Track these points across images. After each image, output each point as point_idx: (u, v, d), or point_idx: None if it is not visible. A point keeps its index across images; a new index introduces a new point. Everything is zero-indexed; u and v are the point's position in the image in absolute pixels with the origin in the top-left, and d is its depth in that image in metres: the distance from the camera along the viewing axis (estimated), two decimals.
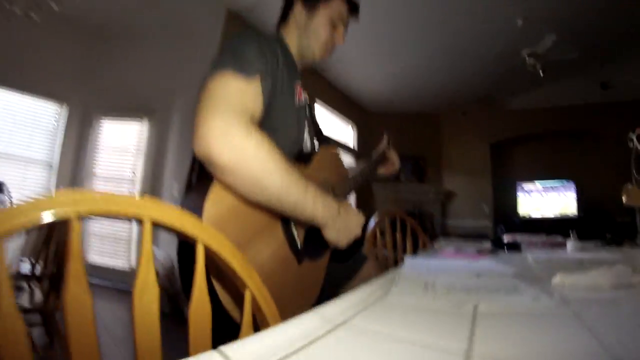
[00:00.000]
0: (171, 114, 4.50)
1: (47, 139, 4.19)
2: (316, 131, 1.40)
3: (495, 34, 5.15)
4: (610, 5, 4.49)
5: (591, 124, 6.92)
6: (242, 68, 0.90)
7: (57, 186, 4.11)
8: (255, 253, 0.91)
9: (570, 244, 1.59)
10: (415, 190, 7.55)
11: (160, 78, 4.44)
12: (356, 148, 7.42)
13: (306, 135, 1.24)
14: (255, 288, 0.72)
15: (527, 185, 7.26)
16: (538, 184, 7.16)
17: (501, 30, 5.03)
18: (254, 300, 0.72)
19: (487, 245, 1.61)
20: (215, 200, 0.84)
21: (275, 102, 1.03)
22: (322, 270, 1.20)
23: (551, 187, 7.06)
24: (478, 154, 7.63)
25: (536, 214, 7.07)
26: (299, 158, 1.16)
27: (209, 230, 0.68)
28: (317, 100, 6.03)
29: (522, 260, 1.25)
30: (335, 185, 1.26)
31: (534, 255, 1.34)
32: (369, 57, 5.88)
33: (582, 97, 6.85)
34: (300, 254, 1.06)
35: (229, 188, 0.86)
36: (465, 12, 4.72)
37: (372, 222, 1.73)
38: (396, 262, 1.69)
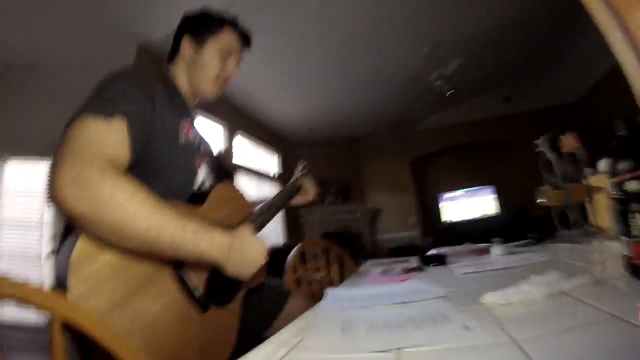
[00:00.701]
0: None
1: None
2: (219, 169, 1.26)
3: (405, 60, 5.42)
4: (509, 28, 4.91)
5: (500, 134, 7.67)
6: (103, 110, 0.81)
7: None
8: (142, 309, 0.79)
9: (495, 250, 1.57)
10: (343, 211, 7.67)
11: (68, 114, 3.97)
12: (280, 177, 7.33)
13: (203, 175, 1.11)
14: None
15: (449, 194, 7.74)
16: (459, 192, 7.66)
17: (410, 56, 5.32)
18: None
19: (414, 262, 1.54)
20: (83, 255, 0.74)
21: (153, 143, 0.93)
22: (235, 316, 1.07)
23: (472, 193, 7.60)
24: (400, 171, 8.01)
25: (459, 218, 7.50)
26: (193, 199, 1.03)
27: (61, 301, 0.61)
28: (238, 132, 5.89)
29: (450, 276, 1.18)
30: (238, 222, 1.13)
31: (460, 268, 1.28)
32: (285, 88, 5.92)
33: (489, 111, 7.62)
34: (201, 302, 0.93)
35: (96, 238, 0.75)
36: (376, 42, 4.92)
37: (292, 254, 1.61)
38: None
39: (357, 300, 0.89)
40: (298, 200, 1.59)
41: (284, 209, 1.48)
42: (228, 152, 5.70)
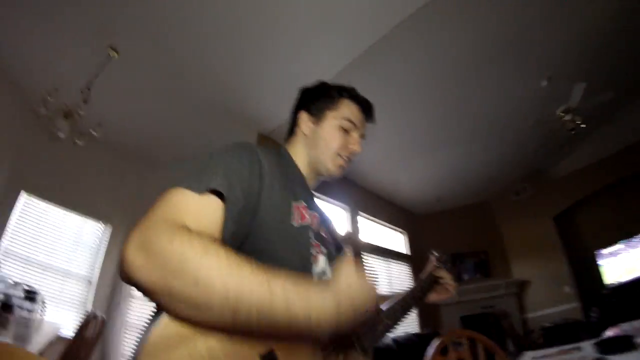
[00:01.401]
0: None
1: (88, 255, 4.31)
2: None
3: (524, 103, 5.09)
4: (627, 35, 4.37)
5: None
6: (199, 183, 0.75)
7: (95, 302, 4.10)
8: None
9: None
10: (483, 289, 6.89)
11: None
12: (409, 254, 7.05)
13: (322, 264, 0.96)
14: None
15: (607, 249, 6.39)
16: (619, 245, 6.27)
17: (528, 97, 4.98)
18: None
19: (588, 349, 1.21)
20: (162, 340, 0.62)
21: (261, 222, 0.83)
22: None
23: (634, 242, 6.10)
24: (543, 231, 6.97)
25: (627, 277, 6.06)
26: None
27: None
28: (361, 213, 5.93)
29: None
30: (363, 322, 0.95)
31: None
32: (406, 160, 5.96)
33: (632, 134, 6.30)
34: None
35: (169, 314, 0.63)
36: (488, 91, 4.75)
37: (431, 349, 1.38)
38: None
39: None
40: (435, 297, 1.37)
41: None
42: (354, 234, 5.69)
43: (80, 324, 2.65)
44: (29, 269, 3.74)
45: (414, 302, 1.22)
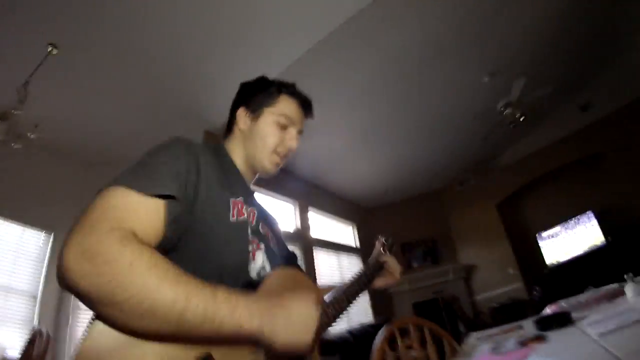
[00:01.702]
0: None
1: (30, 267, 3.96)
2: (284, 253, 1.12)
3: (467, 97, 5.24)
4: (562, 32, 4.59)
5: (586, 149, 6.67)
6: (138, 183, 0.72)
7: (40, 318, 3.79)
8: None
9: (631, 290, 1.23)
10: (433, 275, 7.11)
11: None
12: (359, 247, 7.13)
13: (261, 259, 0.94)
14: None
15: (547, 232, 6.83)
16: (557, 227, 6.71)
17: (471, 92, 5.12)
18: None
19: (529, 327, 1.24)
20: (92, 352, 0.61)
21: (198, 219, 0.81)
22: None
23: (572, 225, 6.56)
24: (487, 218, 7.34)
25: (564, 257, 6.51)
26: (248, 286, 0.85)
27: None
28: (311, 207, 5.92)
29: (584, 342, 0.89)
30: None
31: (594, 326, 0.98)
32: (352, 154, 5.99)
33: (568, 127, 6.79)
34: None
35: (109, 324, 0.62)
36: (433, 86, 4.85)
37: (379, 337, 1.37)
38: None
39: None
40: (381, 282, 1.35)
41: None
42: (304, 228, 5.68)
43: (25, 342, 2.48)
44: None
45: (361, 288, 1.21)
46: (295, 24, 3.46)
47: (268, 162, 1.06)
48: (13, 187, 3.95)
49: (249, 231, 0.93)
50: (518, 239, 7.13)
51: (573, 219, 6.52)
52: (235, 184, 1.00)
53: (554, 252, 6.69)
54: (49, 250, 4.15)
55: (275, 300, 0.73)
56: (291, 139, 1.08)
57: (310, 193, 6.20)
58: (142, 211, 0.70)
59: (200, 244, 0.81)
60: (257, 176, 1.12)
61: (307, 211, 5.95)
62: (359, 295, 1.19)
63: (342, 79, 4.26)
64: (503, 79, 4.81)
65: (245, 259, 0.89)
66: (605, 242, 6.04)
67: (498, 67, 4.77)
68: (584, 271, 5.70)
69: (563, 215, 6.67)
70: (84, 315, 4.14)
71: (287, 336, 0.70)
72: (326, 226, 6.57)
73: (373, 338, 1.43)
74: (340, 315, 1.08)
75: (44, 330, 2.14)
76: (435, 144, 6.25)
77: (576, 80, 5.91)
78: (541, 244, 6.87)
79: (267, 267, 0.95)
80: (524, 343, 1.02)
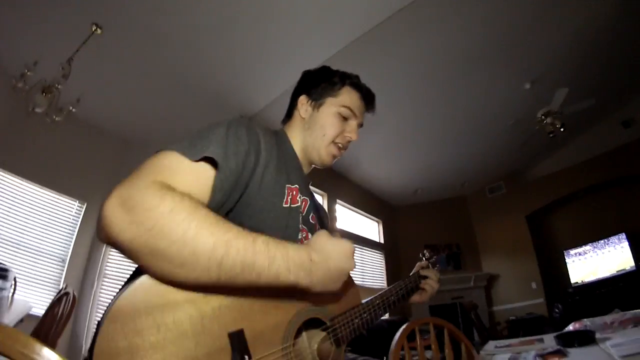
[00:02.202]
0: None
1: (63, 234, 4.17)
2: None
3: (506, 104, 5.14)
4: (607, 44, 4.46)
5: (625, 168, 6.35)
6: (192, 149, 0.73)
7: (67, 281, 3.93)
8: None
9: None
10: (454, 280, 7.00)
11: None
12: (383, 243, 7.12)
13: None
14: None
15: (575, 250, 6.61)
16: (586, 246, 6.49)
17: (512, 98, 5.03)
18: None
19: (550, 341, 1.24)
20: (128, 307, 0.60)
21: (251, 199, 0.83)
22: None
23: (602, 245, 6.32)
24: (515, 229, 7.13)
25: (590, 277, 6.31)
26: None
27: None
28: (339, 201, 5.94)
29: (605, 357, 0.90)
30: (342, 313, 0.93)
31: (617, 348, 0.98)
32: (386, 153, 5.96)
33: (606, 144, 6.51)
34: None
35: (150, 274, 0.62)
36: (472, 90, 4.76)
37: (399, 334, 1.39)
38: None
39: None
40: (415, 298, 1.34)
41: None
42: (330, 220, 5.72)
43: (52, 301, 2.57)
44: (1, 246, 3.61)
45: (398, 300, 1.19)
46: (338, 16, 3.45)
47: (325, 152, 1.06)
48: (51, 157, 4.14)
49: (300, 219, 0.95)
50: (544, 254, 6.93)
51: (604, 239, 6.28)
52: (293, 171, 1.00)
53: (580, 271, 6.47)
54: (81, 218, 4.34)
55: (310, 245, 0.75)
56: (351, 131, 1.09)
57: (340, 185, 6.21)
58: (189, 174, 0.72)
59: (248, 222, 0.81)
60: (312, 167, 1.12)
61: (335, 203, 5.98)
62: (395, 305, 1.17)
63: (383, 75, 4.23)
64: (545, 88, 4.69)
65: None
66: (635, 267, 5.84)
67: (541, 75, 4.66)
68: (609, 294, 5.53)
69: (593, 234, 6.43)
70: (110, 281, 4.35)
71: (323, 284, 0.74)
72: (352, 220, 6.58)
73: (387, 334, 1.44)
74: (373, 321, 1.04)
75: (70, 291, 2.22)
76: (470, 149, 6.15)
77: (620, 94, 5.70)
78: (568, 261, 6.65)
79: None
80: (544, 357, 1.02)
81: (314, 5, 3.27)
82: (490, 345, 1.44)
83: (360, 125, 1.13)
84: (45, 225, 4.01)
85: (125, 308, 0.60)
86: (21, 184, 3.88)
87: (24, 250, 3.78)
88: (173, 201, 0.62)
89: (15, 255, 3.70)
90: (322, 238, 0.77)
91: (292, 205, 0.93)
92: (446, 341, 1.38)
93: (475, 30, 3.88)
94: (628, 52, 4.70)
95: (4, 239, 3.64)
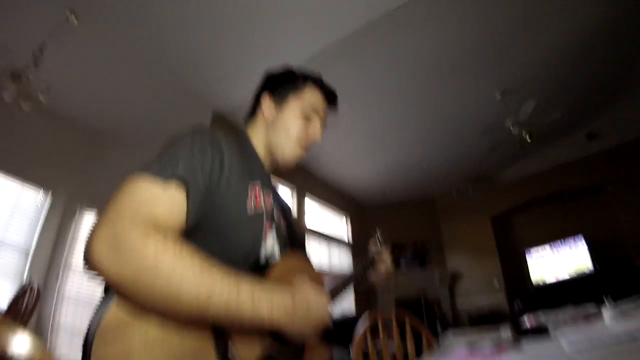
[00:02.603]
0: None
1: (26, 224, 4.04)
2: (293, 240, 1.15)
3: (476, 111, 5.27)
4: (579, 61, 4.62)
5: (588, 178, 6.72)
6: (162, 172, 0.75)
7: (31, 274, 3.87)
8: None
9: (608, 313, 1.28)
10: (419, 276, 7.20)
11: None
12: (350, 241, 7.17)
13: (271, 242, 0.98)
14: None
15: (536, 250, 6.93)
16: (547, 247, 6.81)
17: (482, 106, 5.16)
18: None
19: (506, 333, 1.28)
20: (114, 324, 0.66)
21: (217, 208, 0.85)
22: None
23: (560, 245, 6.66)
24: (480, 229, 7.43)
25: (550, 278, 6.62)
26: (256, 269, 0.90)
27: None
28: (308, 194, 5.95)
29: (557, 353, 0.94)
30: None
31: (568, 339, 1.02)
32: (356, 151, 6.00)
33: (572, 153, 6.85)
34: None
35: (134, 305, 0.68)
36: (446, 96, 4.87)
37: (361, 326, 1.42)
38: None
39: None
40: (374, 277, 1.35)
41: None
42: (299, 216, 5.72)
43: (15, 294, 2.52)
44: None
45: (356, 280, 1.23)
46: (316, 17, 3.44)
47: (290, 153, 1.08)
48: (17, 145, 4.02)
49: (264, 217, 0.96)
50: (507, 253, 7.23)
51: (563, 240, 6.60)
52: (255, 168, 1.02)
53: (540, 271, 6.79)
54: (45, 208, 4.22)
55: (294, 293, 0.77)
56: (315, 130, 1.10)
57: (309, 180, 6.22)
58: (163, 200, 0.73)
59: (217, 230, 0.85)
60: (274, 167, 1.14)
61: (304, 197, 5.99)
62: (353, 283, 1.21)
63: (356, 76, 4.27)
64: (515, 98, 4.84)
65: (258, 246, 0.93)
66: (593, 270, 6.13)
67: (512, 86, 4.80)
68: (567, 294, 5.80)
69: (555, 236, 6.76)
70: (75, 274, 4.24)
71: (300, 330, 0.77)
72: (320, 216, 6.62)
73: (352, 329, 1.47)
74: (335, 301, 1.10)
75: (34, 285, 2.16)
76: (440, 152, 6.29)
77: (587, 108, 5.94)
78: (529, 261, 6.96)
79: (276, 250, 0.99)
80: (498, 345, 1.06)
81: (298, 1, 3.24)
82: (449, 334, 1.49)
83: (324, 124, 1.14)
84: (7, 215, 3.88)
85: (111, 326, 0.65)
86: None
87: None
88: (156, 244, 0.64)
89: None
90: (307, 288, 0.80)
91: (257, 209, 0.94)
92: (407, 331, 1.43)
93: (449, 39, 3.96)
94: (598, 68, 4.91)
95: None
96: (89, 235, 0.64)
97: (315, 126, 1.10)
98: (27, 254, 3.99)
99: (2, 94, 3.15)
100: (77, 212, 4.47)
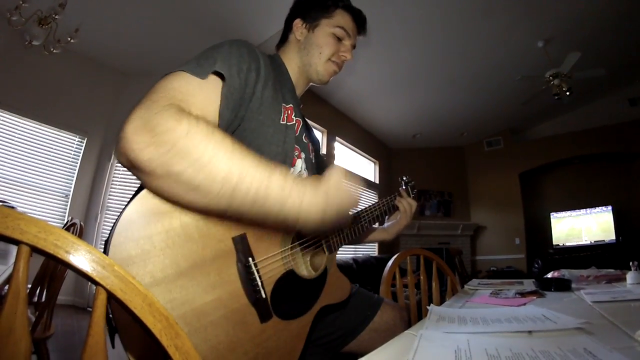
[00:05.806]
0: None
1: (64, 169, 4.22)
2: (321, 166, 1.20)
3: (516, 59, 5.01)
4: (631, 19, 4.30)
5: (622, 144, 6.44)
6: (200, 68, 0.76)
7: (70, 216, 3.94)
8: (190, 295, 0.66)
9: (633, 276, 1.32)
10: (442, 226, 7.25)
11: None
12: (377, 183, 7.25)
13: (300, 168, 1.02)
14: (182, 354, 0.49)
15: (561, 214, 6.86)
16: (572, 212, 6.74)
17: (522, 54, 4.89)
18: None
19: (529, 285, 1.35)
20: (137, 214, 0.64)
21: (251, 114, 0.88)
22: (299, 337, 0.89)
23: (588, 212, 6.60)
24: (507, 185, 7.30)
25: (571, 242, 6.62)
26: None
27: (112, 267, 0.47)
28: (338, 139, 5.95)
29: (579, 304, 1.00)
30: None
31: (590, 295, 1.08)
32: (389, 93, 5.81)
33: (610, 118, 6.53)
34: (263, 307, 0.78)
35: (162, 196, 0.66)
36: (483, 39, 4.61)
37: (390, 262, 1.50)
38: (420, 308, 1.44)
39: (468, 324, 0.77)
40: (395, 218, 1.39)
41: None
42: (329, 156, 5.77)
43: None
44: (4, 186, 3.63)
45: (380, 215, 1.26)
46: None
47: (323, 69, 1.11)
48: (50, 92, 4.05)
49: (294, 138, 1.00)
50: (531, 213, 7.15)
51: (590, 208, 6.53)
52: (288, 92, 1.05)
53: (562, 234, 6.77)
54: (82, 153, 4.33)
55: (323, 184, 0.75)
56: (346, 50, 1.13)
57: (340, 123, 6.19)
58: (199, 94, 0.74)
59: (250, 137, 0.87)
60: (308, 86, 1.17)
61: (334, 140, 6.00)
62: (377, 220, 1.25)
63: (391, 14, 4.06)
64: (557, 49, 4.59)
65: (289, 162, 0.97)
66: (614, 240, 6.08)
67: (555, 35, 4.53)
68: (587, 260, 5.80)
69: (581, 202, 6.68)
70: (113, 214, 4.41)
71: (328, 221, 0.75)
72: (350, 159, 6.64)
73: (375, 269, 1.56)
74: (359, 233, 1.15)
75: (77, 222, 2.29)
76: (474, 99, 6.07)
77: (631, 71, 5.59)
78: (553, 223, 6.92)
79: (305, 175, 1.02)
80: (523, 294, 1.13)
81: None
82: (474, 282, 1.57)
83: (354, 46, 1.16)
84: (46, 162, 4.02)
85: (134, 217, 0.64)
86: (20, 122, 3.83)
87: (27, 188, 3.83)
88: (189, 124, 0.63)
89: (19, 194, 3.75)
90: (334, 176, 0.78)
91: (288, 123, 0.98)
92: (434, 272, 1.50)
93: None
94: None
95: (6, 179, 3.67)
96: (123, 123, 0.62)
97: (346, 46, 1.13)
98: (67, 197, 4.18)
99: (31, 39, 3.16)
100: (113, 156, 4.55)
